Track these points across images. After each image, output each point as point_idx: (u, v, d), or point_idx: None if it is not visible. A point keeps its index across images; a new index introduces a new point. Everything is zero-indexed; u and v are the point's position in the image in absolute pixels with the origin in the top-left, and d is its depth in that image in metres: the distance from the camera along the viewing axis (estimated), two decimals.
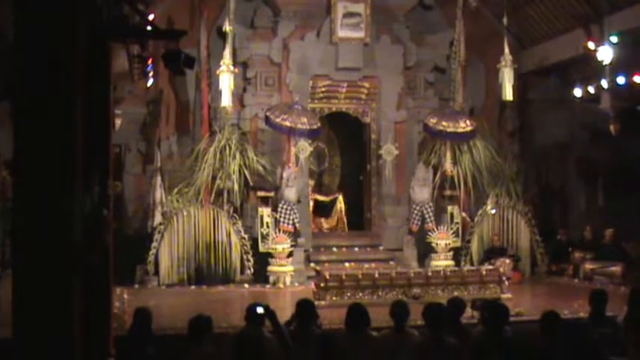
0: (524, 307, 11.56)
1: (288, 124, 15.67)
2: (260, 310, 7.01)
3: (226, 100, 15.73)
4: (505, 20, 16.67)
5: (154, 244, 15.39)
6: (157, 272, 15.41)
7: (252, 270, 15.61)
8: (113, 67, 8.97)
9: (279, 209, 15.76)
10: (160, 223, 15.55)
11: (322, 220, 17.82)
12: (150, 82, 15.94)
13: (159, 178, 15.93)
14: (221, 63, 15.76)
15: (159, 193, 15.85)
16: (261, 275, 15.54)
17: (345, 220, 17.75)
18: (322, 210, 17.83)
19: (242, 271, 15.66)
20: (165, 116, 17.16)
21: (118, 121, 15.24)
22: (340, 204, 17.79)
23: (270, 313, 7.02)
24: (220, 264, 15.61)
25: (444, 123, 16.33)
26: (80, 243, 6.06)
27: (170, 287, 15.18)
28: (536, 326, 7.26)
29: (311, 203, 17.15)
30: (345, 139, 18.72)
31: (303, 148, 16.14)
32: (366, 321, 7.01)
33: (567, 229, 17.42)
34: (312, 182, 17.68)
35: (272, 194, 15.97)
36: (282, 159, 16.27)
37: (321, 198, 17.81)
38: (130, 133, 16.81)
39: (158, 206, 15.77)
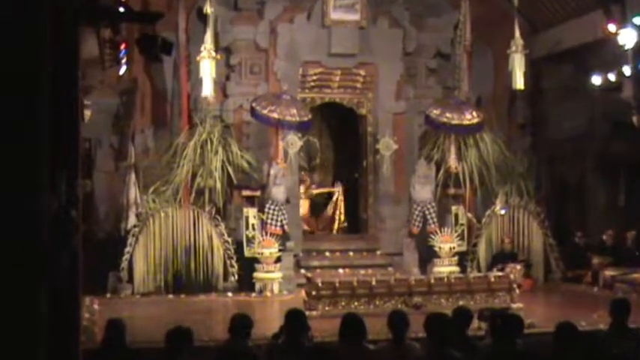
0: (536, 317, 11.56)
1: (275, 115, 15.66)
2: None
3: (207, 90, 15.70)
4: (516, 0, 16.68)
5: (128, 248, 15.36)
6: (130, 280, 15.38)
7: (236, 277, 15.60)
8: (82, 53, 8.93)
9: (266, 210, 15.75)
10: (135, 226, 15.52)
11: (314, 219, 17.88)
12: (123, 69, 15.88)
13: (133, 176, 15.90)
14: (202, 48, 15.73)
15: (133, 193, 15.82)
16: (246, 283, 15.53)
17: (341, 217, 17.78)
18: (316, 207, 17.88)
19: (225, 278, 15.65)
20: (139, 107, 17.14)
21: (87, 113, 15.19)
22: (339, 197, 17.81)
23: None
24: (201, 270, 15.59)
25: (447, 114, 16.34)
26: (45, 248, 6.03)
27: (146, 296, 15.15)
28: (550, 339, 7.26)
29: (303, 203, 17.20)
30: (339, 132, 18.73)
31: (293, 142, 16.12)
32: (362, 333, 7.00)
33: (585, 231, 17.45)
34: (307, 178, 17.75)
35: (258, 193, 15.96)
36: (270, 154, 16.26)
37: (317, 191, 17.84)
38: (100, 126, 16.78)
39: (132, 207, 15.74)
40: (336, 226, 18.01)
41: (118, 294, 15.23)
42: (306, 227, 17.47)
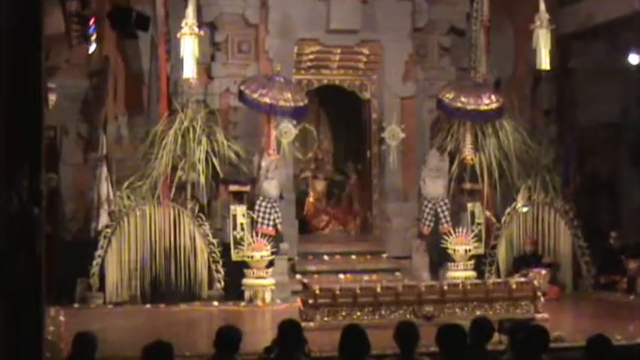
0: (564, 330, 11.54)
1: (267, 100, 15.65)
2: None
3: (189, 71, 15.66)
4: None
5: (99, 251, 15.33)
6: (102, 287, 15.35)
7: (222, 283, 15.58)
8: (46, 29, 8.89)
9: (257, 207, 15.74)
10: (107, 226, 15.50)
11: (327, 209, 17.95)
12: (92, 47, 15.84)
13: (105, 169, 15.88)
14: (183, 24, 15.69)
15: (105, 188, 15.80)
16: (234, 290, 15.52)
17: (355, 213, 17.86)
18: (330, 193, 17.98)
19: (210, 285, 15.64)
20: (112, 91, 17.11)
21: (52, 97, 15.17)
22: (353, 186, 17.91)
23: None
24: (183, 276, 15.57)
25: (462, 99, 16.33)
26: (2, 251, 6.00)
27: (119, 306, 15.13)
28: (580, 355, 7.24)
29: (316, 185, 17.33)
30: (339, 119, 18.71)
31: (287, 130, 16.10)
32: (365, 347, 6.98)
33: (619, 231, 17.41)
34: (313, 165, 17.85)
35: (247, 189, 15.95)
36: (260, 144, 16.25)
37: (319, 183, 17.91)
38: (67, 112, 16.75)
39: (104, 204, 15.72)
40: (354, 223, 18.00)
41: (88, 304, 15.19)
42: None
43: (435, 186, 16.50)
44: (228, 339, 7.23)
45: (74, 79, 16.70)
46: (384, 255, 16.91)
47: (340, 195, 18.33)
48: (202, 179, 15.79)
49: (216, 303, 15.28)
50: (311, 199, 18.05)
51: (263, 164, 15.80)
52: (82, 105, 17.04)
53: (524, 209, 16.77)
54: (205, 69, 16.73)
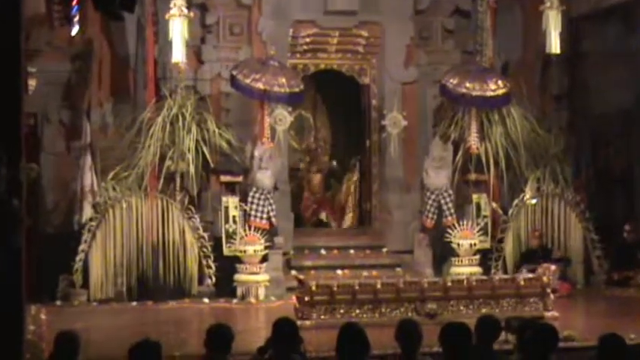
0: (575, 329, 11.57)
1: (260, 86, 15.65)
2: None
3: (178, 55, 15.66)
4: None
5: (83, 246, 15.34)
6: (86, 284, 15.36)
7: (213, 280, 15.61)
8: (26, 9, 8.87)
9: (250, 199, 15.75)
10: (91, 219, 15.51)
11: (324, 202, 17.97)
12: (75, 29, 15.81)
13: (89, 159, 15.87)
14: (171, 4, 15.70)
15: (89, 179, 15.79)
16: (225, 287, 15.55)
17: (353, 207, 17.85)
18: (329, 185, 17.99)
19: (200, 282, 15.66)
20: (96, 76, 17.08)
21: (32, 83, 15.14)
22: (353, 179, 17.87)
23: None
24: (171, 272, 15.59)
25: (467, 84, 16.33)
26: None
27: (104, 304, 15.15)
28: (592, 355, 7.25)
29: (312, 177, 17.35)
30: (337, 105, 18.70)
31: (282, 117, 16.10)
32: (365, 347, 6.97)
33: (633, 224, 17.41)
34: (307, 158, 17.87)
35: (240, 179, 15.97)
36: (254, 133, 16.25)
37: (314, 177, 17.90)
38: (49, 98, 16.72)
39: (88, 196, 15.71)
40: (350, 217, 17.99)
41: (71, 301, 15.21)
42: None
43: (438, 176, 16.50)
44: (219, 338, 7.22)
45: (56, 62, 16.67)
46: (385, 249, 16.93)
47: (338, 187, 18.29)
48: (192, 169, 15.78)
49: (206, 300, 15.31)
50: (306, 194, 18.06)
51: (256, 153, 15.80)
52: (65, 90, 17.00)
53: (533, 201, 16.78)
54: (195, 52, 16.71)
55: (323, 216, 18.04)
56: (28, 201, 9.00)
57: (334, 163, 18.57)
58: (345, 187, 18.22)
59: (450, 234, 16.25)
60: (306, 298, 12.53)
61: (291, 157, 17.56)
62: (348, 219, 18.10)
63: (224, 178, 16.00)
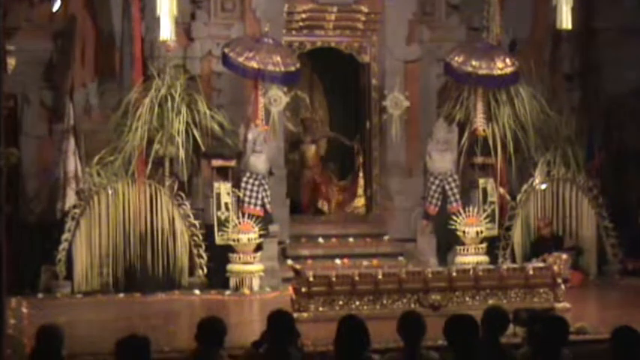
0: (588, 320, 11.60)
1: (254, 64, 15.64)
2: None
3: (167, 32, 15.61)
4: None
5: (66, 235, 15.35)
6: (69, 275, 15.38)
7: (205, 270, 15.63)
8: None
9: (243, 184, 15.76)
10: (75, 206, 15.51)
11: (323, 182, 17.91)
12: (57, 5, 15.78)
13: (72, 142, 15.85)
14: None
15: (72, 164, 15.77)
16: (218, 277, 15.58)
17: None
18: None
19: (191, 272, 15.68)
20: (79, 54, 17.04)
21: (11, 62, 15.08)
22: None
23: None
24: (160, 262, 15.61)
25: (473, 62, 16.32)
26: None
27: (89, 296, 15.16)
28: (605, 347, 7.26)
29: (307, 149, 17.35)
30: (335, 85, 18.68)
31: (276, 98, 16.09)
32: (365, 340, 6.99)
33: None
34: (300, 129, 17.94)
35: (233, 164, 15.97)
36: (247, 114, 16.22)
37: (308, 148, 17.84)
38: (29, 78, 16.68)
39: (71, 182, 15.70)
40: (360, 202, 17.92)
41: (53, 294, 15.21)
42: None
43: (442, 160, 16.51)
44: (211, 332, 7.24)
45: (36, 40, 16.62)
46: (386, 237, 16.94)
47: (341, 164, 18.23)
48: (182, 153, 15.76)
49: (197, 292, 15.33)
50: (306, 170, 17.94)
51: (250, 136, 15.79)
52: (46, 70, 16.96)
53: (543, 186, 16.80)
54: (184, 29, 16.65)
55: (320, 203, 17.93)
56: (7, 187, 9.00)
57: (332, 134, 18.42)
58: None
59: (455, 221, 16.26)
60: (303, 289, 12.55)
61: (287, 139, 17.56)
62: (359, 202, 17.99)
63: (216, 163, 15.99)
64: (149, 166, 15.82)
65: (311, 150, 18.03)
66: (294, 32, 17.22)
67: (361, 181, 17.83)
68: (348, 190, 18.05)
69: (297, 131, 18.21)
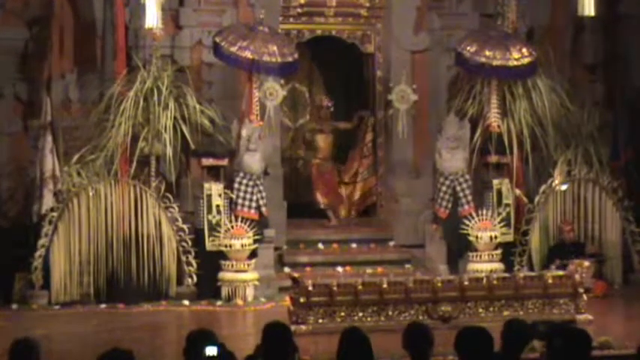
0: (612, 334, 11.62)
1: (248, 55, 15.67)
2: (212, 351, 6.99)
3: (153, 19, 15.64)
4: None
5: (43, 240, 15.35)
6: (46, 285, 15.38)
7: (194, 279, 15.64)
8: None
9: (237, 185, 15.78)
10: (52, 209, 15.51)
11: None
12: None
13: (50, 140, 15.84)
14: None
15: (50, 163, 15.77)
16: (208, 287, 15.59)
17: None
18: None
19: (180, 281, 15.70)
20: (57, 44, 17.06)
21: None
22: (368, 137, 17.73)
23: (226, 356, 7.01)
24: (146, 270, 15.61)
25: (487, 52, 16.34)
26: None
27: (68, 307, 15.17)
28: None
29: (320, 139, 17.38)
30: (336, 77, 18.70)
31: (272, 91, 16.11)
32: (368, 354, 7.00)
33: None
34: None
35: (225, 163, 15.99)
36: (240, 109, 16.25)
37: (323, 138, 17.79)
38: (1, 69, 16.73)
39: (49, 182, 15.69)
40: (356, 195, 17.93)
41: (29, 304, 15.22)
42: (321, 199, 17.57)
43: (453, 159, 16.51)
44: (200, 346, 7.24)
45: (10, 28, 16.68)
46: (391, 243, 17.02)
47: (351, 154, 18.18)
48: (169, 152, 15.77)
49: (186, 302, 15.35)
50: (316, 160, 17.84)
51: (244, 133, 15.80)
52: (20, 61, 17.01)
53: (563, 187, 16.80)
54: (172, 17, 16.72)
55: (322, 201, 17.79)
56: None
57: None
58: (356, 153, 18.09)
59: (466, 225, 16.27)
60: (302, 300, 12.56)
61: (284, 136, 17.57)
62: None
63: (206, 162, 16.00)
64: (134, 165, 15.83)
65: (327, 140, 17.95)
66: (291, 19, 17.29)
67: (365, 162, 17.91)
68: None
69: (306, 120, 18.32)
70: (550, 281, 13.14)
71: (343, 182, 18.02)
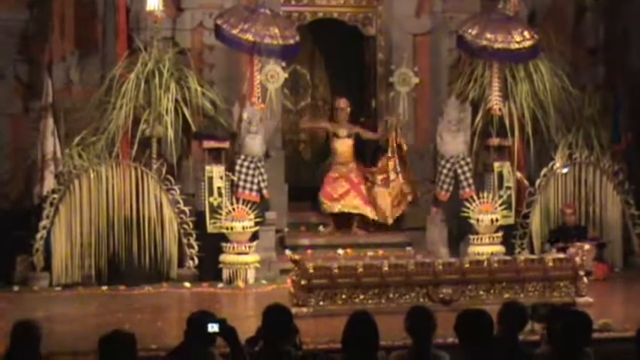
0: (612, 316, 11.61)
1: (249, 37, 15.65)
2: (213, 328, 7.00)
3: (154, 1, 15.63)
4: None
5: (44, 222, 15.35)
6: (48, 267, 15.38)
7: (195, 261, 15.66)
8: None
9: (238, 168, 15.78)
10: (54, 191, 15.50)
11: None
12: None
13: (51, 122, 15.82)
14: None
15: (51, 145, 15.75)
16: (209, 269, 15.60)
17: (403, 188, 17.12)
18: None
19: (181, 264, 15.71)
20: (58, 25, 17.03)
21: None
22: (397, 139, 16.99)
23: (227, 331, 7.01)
24: (147, 252, 15.62)
25: (488, 35, 16.30)
26: None
27: (69, 289, 15.17)
28: (631, 346, 7.28)
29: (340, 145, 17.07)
30: (337, 60, 18.67)
31: (274, 74, 16.10)
32: (374, 338, 7.00)
33: None
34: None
35: (226, 145, 15.97)
36: (242, 92, 16.23)
37: (363, 133, 17.31)
38: (2, 51, 16.72)
39: (50, 164, 15.68)
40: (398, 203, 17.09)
41: (30, 286, 15.21)
42: (338, 206, 16.83)
43: (454, 142, 16.50)
44: (202, 328, 7.24)
45: (10, 10, 16.65)
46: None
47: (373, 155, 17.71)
48: (171, 134, 15.77)
49: (187, 284, 15.35)
50: (337, 161, 17.22)
51: (245, 116, 15.79)
52: (21, 42, 16.98)
53: (564, 170, 16.79)
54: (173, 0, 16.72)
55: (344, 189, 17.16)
56: None
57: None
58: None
59: (467, 208, 16.26)
60: (303, 282, 12.56)
61: (285, 118, 17.51)
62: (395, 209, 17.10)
63: (207, 144, 15.98)
64: (135, 147, 15.83)
65: (347, 144, 17.25)
66: (293, 2, 17.28)
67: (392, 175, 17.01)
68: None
69: (324, 125, 17.80)
70: (550, 264, 13.13)
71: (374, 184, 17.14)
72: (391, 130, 16.88)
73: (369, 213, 16.89)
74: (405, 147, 16.81)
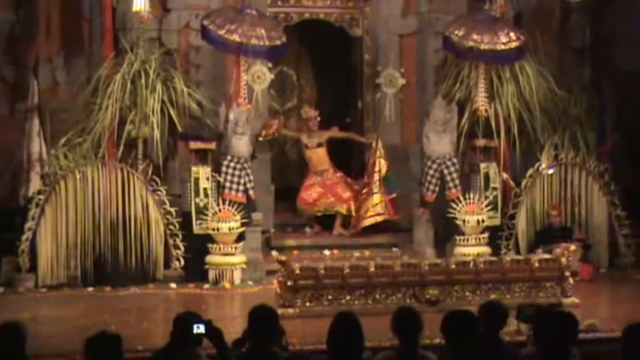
0: (598, 317, 11.64)
1: (236, 38, 15.66)
2: (199, 328, 6.99)
3: (140, 2, 15.62)
4: None
5: (30, 223, 15.32)
6: (33, 268, 15.35)
7: (182, 262, 15.64)
8: None
9: (224, 169, 15.77)
10: (39, 192, 15.48)
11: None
12: None
13: (36, 122, 15.80)
14: None
15: (37, 146, 15.73)
16: (195, 270, 15.59)
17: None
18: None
19: (167, 265, 15.69)
20: (44, 26, 17.01)
21: None
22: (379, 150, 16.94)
23: (213, 332, 7.00)
24: (133, 253, 15.60)
25: (475, 36, 16.32)
26: None
27: (55, 290, 15.15)
28: (616, 346, 7.28)
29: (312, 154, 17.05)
30: (324, 61, 18.67)
31: (260, 75, 16.10)
32: (358, 338, 7.00)
33: None
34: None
35: (213, 146, 15.97)
36: (228, 92, 16.23)
37: (333, 134, 17.28)
38: None
39: (35, 165, 15.65)
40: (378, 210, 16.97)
41: (16, 287, 15.19)
42: (315, 209, 16.96)
43: (440, 143, 16.52)
44: (188, 329, 7.24)
45: None
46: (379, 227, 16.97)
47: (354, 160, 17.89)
48: (157, 135, 15.77)
49: (174, 285, 15.34)
50: (312, 170, 17.32)
51: (231, 117, 15.79)
52: (7, 43, 16.96)
53: (550, 171, 16.81)
54: (160, 0, 16.66)
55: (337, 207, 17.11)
56: None
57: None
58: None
59: (454, 209, 16.28)
60: (289, 283, 12.57)
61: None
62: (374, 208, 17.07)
63: (194, 145, 15.98)
64: (121, 148, 15.83)
65: (318, 154, 17.31)
66: (279, 3, 17.27)
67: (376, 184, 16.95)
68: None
69: (295, 135, 17.72)
70: (536, 265, 13.16)
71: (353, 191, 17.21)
72: (374, 152, 16.88)
73: (344, 210, 17.01)
74: (384, 169, 16.82)
